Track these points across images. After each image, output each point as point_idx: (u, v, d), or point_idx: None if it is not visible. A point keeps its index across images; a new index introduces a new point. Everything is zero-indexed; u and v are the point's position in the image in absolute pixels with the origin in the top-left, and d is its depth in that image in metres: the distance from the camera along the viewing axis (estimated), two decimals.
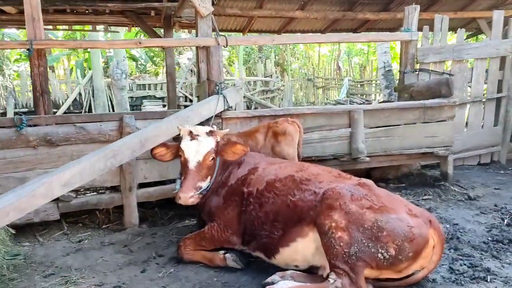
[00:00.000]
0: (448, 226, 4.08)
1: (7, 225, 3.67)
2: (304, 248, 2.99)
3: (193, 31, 7.31)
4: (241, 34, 9.67)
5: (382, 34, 6.99)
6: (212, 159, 3.43)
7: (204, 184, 3.42)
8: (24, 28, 4.59)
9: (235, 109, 5.26)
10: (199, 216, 3.78)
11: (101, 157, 3.46)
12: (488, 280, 2.99)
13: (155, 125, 4.00)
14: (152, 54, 23.14)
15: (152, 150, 3.58)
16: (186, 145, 3.41)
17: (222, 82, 4.82)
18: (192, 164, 3.35)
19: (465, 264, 3.26)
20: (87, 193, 4.87)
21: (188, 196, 3.22)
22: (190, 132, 3.44)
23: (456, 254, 3.47)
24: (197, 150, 3.37)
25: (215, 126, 3.72)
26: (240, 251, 3.38)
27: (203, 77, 4.97)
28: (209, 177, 3.48)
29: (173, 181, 4.64)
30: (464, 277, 3.05)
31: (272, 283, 2.82)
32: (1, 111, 14.92)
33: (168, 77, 8.48)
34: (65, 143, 4.22)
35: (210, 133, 3.47)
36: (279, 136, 4.22)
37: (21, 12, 6.37)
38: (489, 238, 3.80)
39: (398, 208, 2.83)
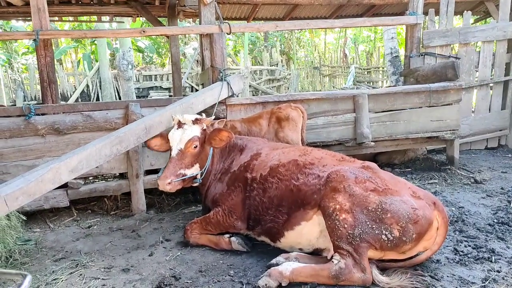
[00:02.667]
0: (453, 209, 4.09)
1: (19, 212, 3.76)
2: (308, 231, 3.02)
3: (198, 20, 7.31)
4: (246, 22, 9.64)
5: (386, 18, 6.89)
6: (196, 146, 3.45)
7: (189, 172, 3.44)
8: (31, 21, 4.63)
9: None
10: (204, 203, 3.83)
11: (107, 144, 3.51)
12: (493, 261, 3.01)
13: (159, 112, 4.03)
14: (157, 45, 23.14)
15: (147, 142, 3.66)
16: (172, 133, 3.49)
17: (225, 69, 4.84)
18: (174, 152, 3.41)
19: (469, 246, 3.28)
20: (96, 181, 4.96)
21: (165, 183, 3.26)
22: (179, 121, 3.51)
23: (461, 236, 3.48)
24: (180, 139, 3.42)
25: (204, 114, 3.73)
26: (245, 235, 3.43)
27: (207, 64, 4.99)
28: (196, 165, 3.51)
29: None
30: (468, 257, 3.07)
31: (277, 264, 2.85)
32: (11, 103, 15.10)
33: (174, 66, 8.49)
34: (72, 131, 4.29)
35: (196, 121, 3.51)
36: (283, 122, 4.23)
37: (27, 4, 6.40)
38: (495, 220, 3.80)
39: (402, 190, 2.85)
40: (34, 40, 4.52)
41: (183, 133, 3.44)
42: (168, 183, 3.28)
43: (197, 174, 3.53)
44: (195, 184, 3.60)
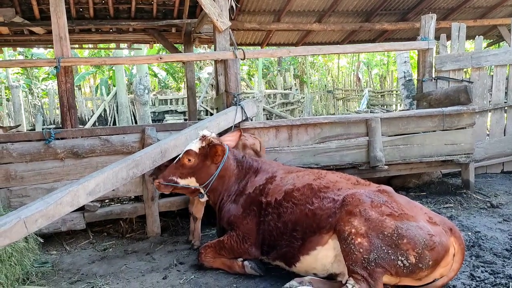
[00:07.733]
0: (469, 233, 4.02)
1: (36, 234, 3.84)
2: (324, 256, 3.00)
3: (213, 46, 7.53)
4: (260, 47, 9.85)
5: (398, 43, 6.98)
6: (189, 160, 3.58)
7: (183, 182, 3.61)
8: (52, 48, 4.83)
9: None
10: (219, 224, 3.84)
11: (123, 167, 3.59)
12: (510, 287, 2.94)
13: (174, 136, 4.12)
14: (173, 70, 23.67)
15: None
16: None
17: (239, 93, 4.94)
18: (176, 159, 3.70)
19: (486, 271, 3.22)
20: (112, 204, 5.04)
21: (155, 181, 3.62)
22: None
23: (478, 261, 3.42)
24: (184, 150, 3.68)
25: (214, 134, 3.86)
26: (259, 259, 3.42)
27: (222, 89, 5.10)
28: (191, 178, 3.63)
29: None
30: (485, 283, 3.02)
31: None
32: (30, 127, 15.51)
33: (189, 91, 8.68)
34: (90, 154, 4.40)
35: (202, 138, 3.68)
36: (247, 148, 4.37)
37: (49, 32, 6.68)
38: None
39: (418, 215, 2.83)
40: (56, 67, 4.69)
41: (189, 145, 3.68)
42: (157, 183, 3.58)
43: (195, 188, 3.65)
44: (202, 199, 3.78)
